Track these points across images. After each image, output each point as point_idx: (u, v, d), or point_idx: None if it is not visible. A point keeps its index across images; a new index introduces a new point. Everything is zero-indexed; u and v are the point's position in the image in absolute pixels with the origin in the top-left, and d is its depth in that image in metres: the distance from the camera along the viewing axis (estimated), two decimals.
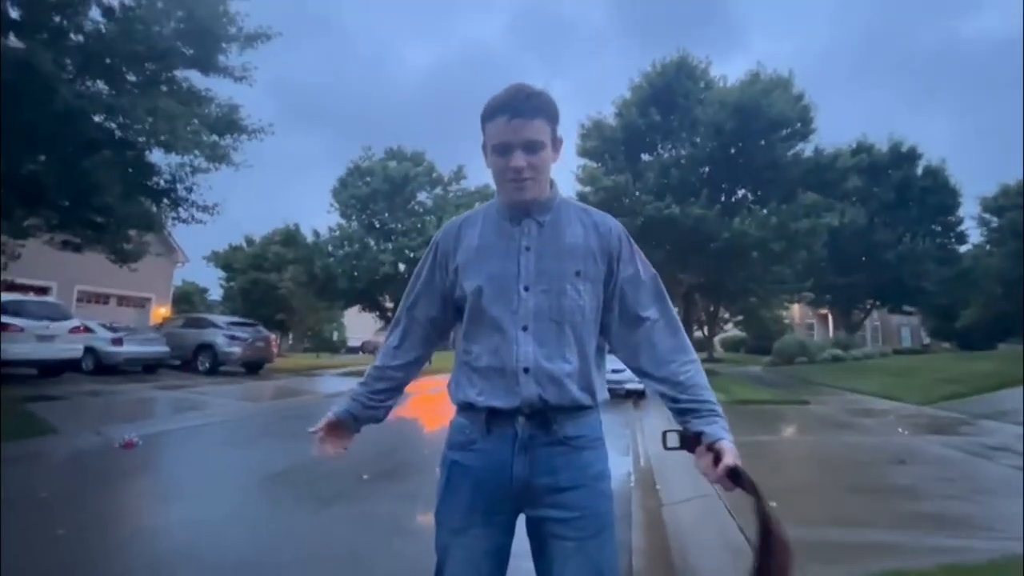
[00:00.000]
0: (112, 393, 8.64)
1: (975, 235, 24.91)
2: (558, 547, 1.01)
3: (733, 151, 16.10)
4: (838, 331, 25.70)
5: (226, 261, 29.37)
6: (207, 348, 13.20)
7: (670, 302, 1.15)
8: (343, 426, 1.18)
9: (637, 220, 15.14)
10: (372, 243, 19.95)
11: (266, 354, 14.54)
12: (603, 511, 1.04)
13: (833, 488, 3.88)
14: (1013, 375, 9.75)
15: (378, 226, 20.44)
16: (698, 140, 16.18)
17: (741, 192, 17.49)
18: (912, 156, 23.17)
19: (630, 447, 5.70)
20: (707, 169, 16.60)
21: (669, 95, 16.51)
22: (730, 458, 0.95)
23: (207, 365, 13.10)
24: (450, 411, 1.14)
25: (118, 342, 11.24)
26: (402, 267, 19.92)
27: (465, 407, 1.08)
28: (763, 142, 15.81)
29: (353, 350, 36.69)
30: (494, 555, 1.04)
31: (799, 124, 16.08)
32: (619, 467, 4.76)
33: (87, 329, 10.64)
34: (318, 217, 49.14)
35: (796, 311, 33.83)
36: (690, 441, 1.01)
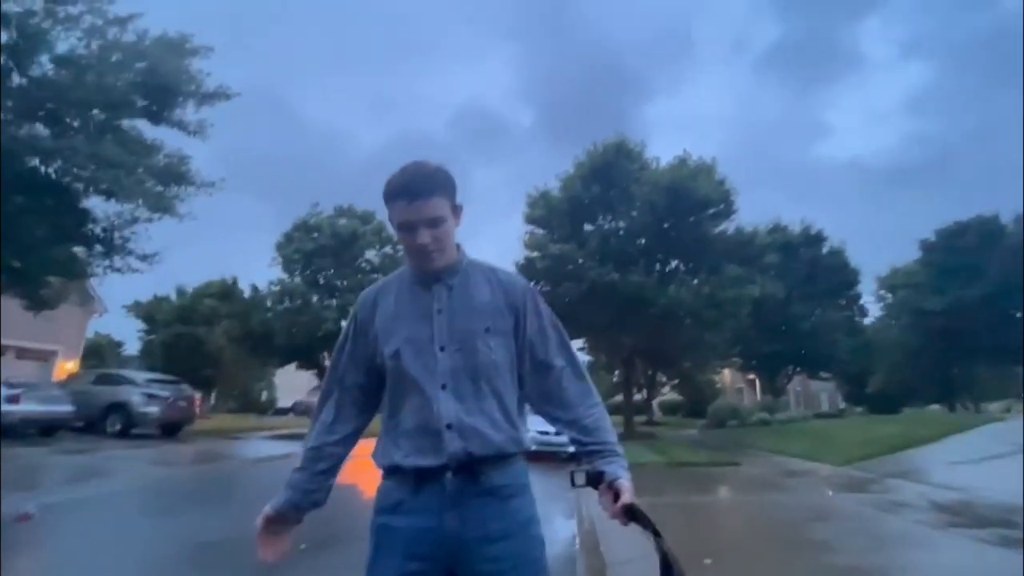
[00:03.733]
0: (2, 459, 7.63)
1: (875, 309, 28.06)
2: None
3: (666, 226, 17.53)
4: (765, 395, 27.21)
5: (148, 312, 27.32)
6: (120, 407, 12.00)
7: (574, 350, 1.24)
8: (284, 520, 1.14)
9: (583, 285, 15.90)
10: (315, 299, 19.41)
11: (188, 414, 13.39)
12: (535, 557, 1.06)
13: (762, 544, 4.12)
14: (914, 436, 10.80)
15: (322, 282, 20.00)
16: (635, 214, 17.52)
17: (674, 263, 18.86)
18: (819, 238, 26.11)
19: (574, 510, 5.72)
20: (643, 240, 17.89)
21: (608, 173, 17.95)
22: (627, 496, 1.02)
23: (117, 426, 11.86)
24: None
25: (14, 399, 10.04)
26: (344, 324, 19.40)
27: (392, 471, 1.09)
28: (692, 219, 17.38)
29: (282, 411, 34.27)
30: None
31: (722, 205, 17.85)
32: (564, 530, 4.78)
33: None
34: (257, 274, 47.50)
35: (727, 376, 35.61)
36: (595, 479, 1.08)
